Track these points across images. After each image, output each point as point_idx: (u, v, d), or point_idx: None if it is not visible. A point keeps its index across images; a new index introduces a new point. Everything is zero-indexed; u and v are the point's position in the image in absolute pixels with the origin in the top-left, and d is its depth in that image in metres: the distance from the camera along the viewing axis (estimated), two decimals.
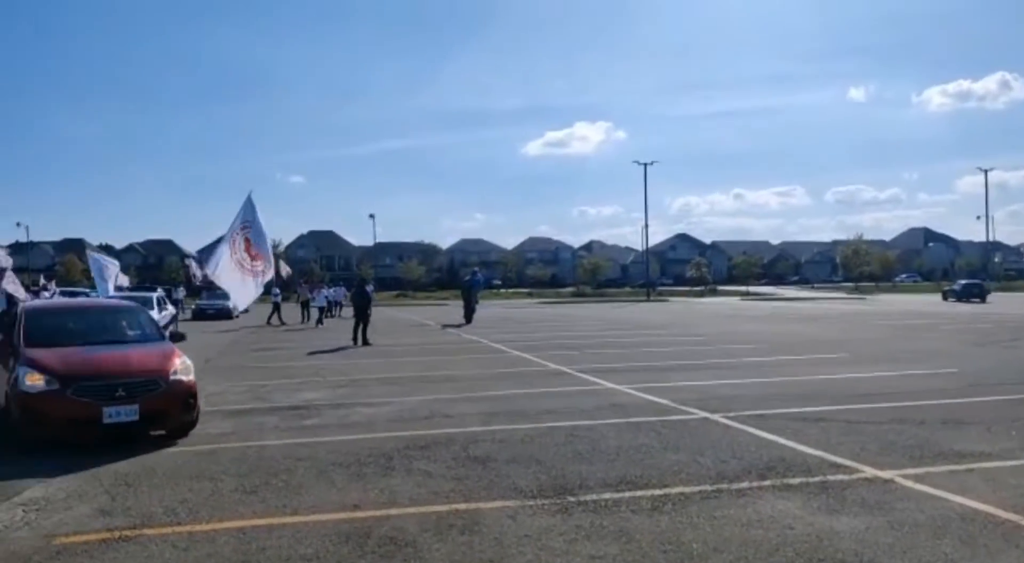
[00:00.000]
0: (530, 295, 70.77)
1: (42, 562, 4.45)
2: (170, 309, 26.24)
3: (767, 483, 5.85)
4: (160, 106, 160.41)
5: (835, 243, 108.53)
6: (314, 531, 4.91)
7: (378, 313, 21.49)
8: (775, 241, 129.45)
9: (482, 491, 5.81)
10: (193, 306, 39.51)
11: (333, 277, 64.81)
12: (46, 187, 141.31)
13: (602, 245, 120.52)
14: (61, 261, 78.72)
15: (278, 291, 32.40)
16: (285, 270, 38.70)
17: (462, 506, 5.41)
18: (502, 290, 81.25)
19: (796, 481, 5.89)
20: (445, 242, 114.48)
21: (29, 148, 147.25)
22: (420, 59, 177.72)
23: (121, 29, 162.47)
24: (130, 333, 9.14)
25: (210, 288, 33.91)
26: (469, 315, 29.22)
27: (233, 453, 7.26)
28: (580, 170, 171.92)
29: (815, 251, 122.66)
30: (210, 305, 36.82)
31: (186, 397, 7.82)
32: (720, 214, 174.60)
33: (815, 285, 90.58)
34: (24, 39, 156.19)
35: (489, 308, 42.31)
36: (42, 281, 32.80)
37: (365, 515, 5.25)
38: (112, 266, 27.76)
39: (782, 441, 7.33)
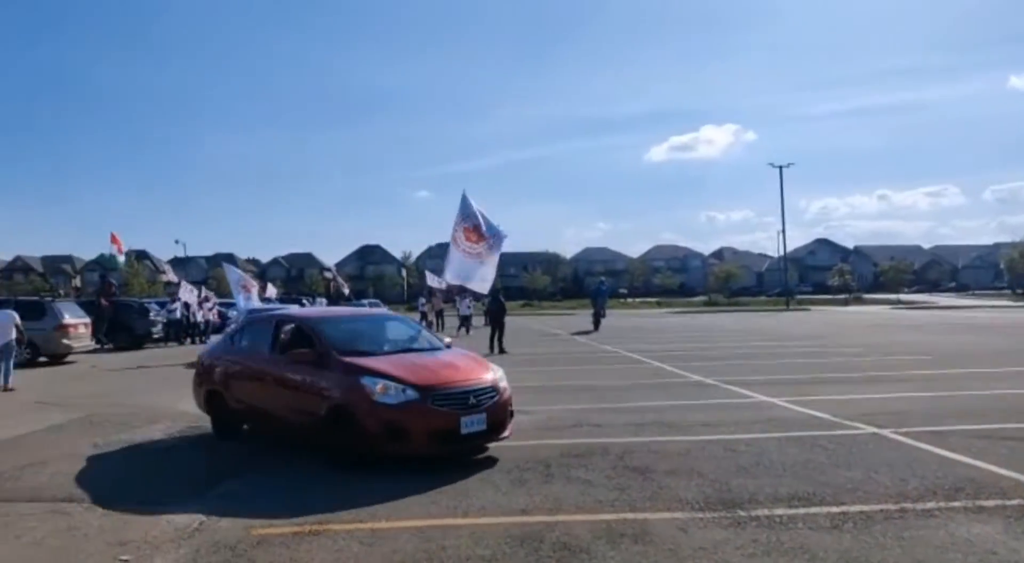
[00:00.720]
0: (658, 304, 69.38)
1: (246, 551, 4.83)
2: None
3: (957, 504, 5.46)
4: (298, 128, 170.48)
5: (997, 246, 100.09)
6: (488, 533, 5.05)
7: (508, 322, 21.72)
8: (926, 245, 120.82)
9: (646, 501, 5.77)
10: None
11: (460, 289, 66.61)
12: (201, 206, 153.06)
13: (734, 251, 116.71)
14: (212, 275, 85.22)
15: (423, 301, 33.75)
16: (436, 281, 39.90)
17: (629, 515, 5.39)
18: (628, 299, 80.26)
19: (991, 504, 5.46)
20: (569, 251, 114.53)
21: (186, 170, 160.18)
22: (540, 70, 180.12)
23: (266, 57, 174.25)
24: (418, 341, 8.54)
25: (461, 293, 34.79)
26: (597, 323, 29.84)
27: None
28: (707, 175, 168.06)
29: (973, 255, 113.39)
30: None
31: (509, 405, 7.65)
32: (862, 217, 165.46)
33: (975, 292, 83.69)
34: (184, 71, 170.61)
35: (618, 317, 41.99)
36: (204, 292, 35.51)
37: (534, 520, 5.35)
38: (247, 278, 29.47)
39: (967, 460, 6.81)
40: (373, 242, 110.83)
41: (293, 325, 8.43)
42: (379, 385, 6.85)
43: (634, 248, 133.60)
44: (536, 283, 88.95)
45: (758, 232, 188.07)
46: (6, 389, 13.98)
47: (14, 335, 14.42)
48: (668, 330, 31.39)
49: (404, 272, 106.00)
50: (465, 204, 12.93)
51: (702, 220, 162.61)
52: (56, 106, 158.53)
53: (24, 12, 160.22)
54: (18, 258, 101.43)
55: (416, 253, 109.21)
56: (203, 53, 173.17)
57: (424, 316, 33.08)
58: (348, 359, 7.31)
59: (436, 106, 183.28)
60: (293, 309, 11.62)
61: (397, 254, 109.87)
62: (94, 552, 4.88)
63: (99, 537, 5.19)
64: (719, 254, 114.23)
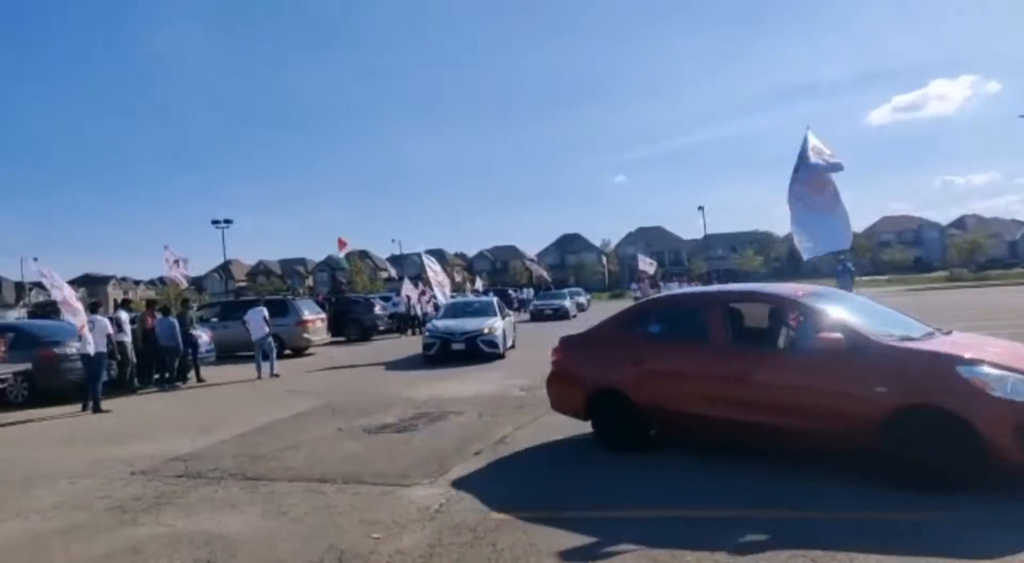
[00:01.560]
0: (889, 282, 62.88)
1: (486, 534, 4.99)
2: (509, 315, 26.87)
3: None
4: (494, 125, 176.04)
5: None
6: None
7: None
8: None
9: None
10: (531, 308, 38.29)
11: (665, 273, 65.26)
12: (413, 206, 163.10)
13: (979, 219, 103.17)
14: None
15: (637, 286, 33.57)
16: (646, 265, 39.68)
17: None
18: (856, 278, 73.67)
19: None
20: (780, 229, 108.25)
21: (397, 172, 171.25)
22: (734, 42, 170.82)
23: (465, 56, 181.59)
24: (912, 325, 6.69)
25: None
26: None
27: None
28: (940, 135, 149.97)
29: None
30: (547, 305, 36.59)
31: None
32: None
33: None
34: (383, 76, 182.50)
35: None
36: (421, 286, 37.88)
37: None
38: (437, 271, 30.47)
39: None
40: (572, 231, 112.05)
41: (770, 306, 6.86)
42: (994, 377, 5.20)
43: (857, 221, 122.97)
44: (748, 264, 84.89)
45: (1008, 195, 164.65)
46: (272, 375, 15.95)
47: (267, 329, 16.37)
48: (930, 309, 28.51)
49: (604, 259, 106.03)
50: (804, 149, 8.85)
51: (936, 186, 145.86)
52: (278, 123, 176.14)
53: (245, 32, 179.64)
54: (260, 262, 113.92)
55: (615, 240, 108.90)
56: (400, 60, 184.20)
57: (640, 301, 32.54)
58: (902, 345, 5.83)
59: (627, 90, 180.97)
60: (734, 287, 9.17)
61: (596, 242, 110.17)
62: (349, 529, 5.27)
63: (352, 515, 5.61)
64: (960, 223, 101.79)
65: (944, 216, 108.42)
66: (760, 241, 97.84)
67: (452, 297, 26.56)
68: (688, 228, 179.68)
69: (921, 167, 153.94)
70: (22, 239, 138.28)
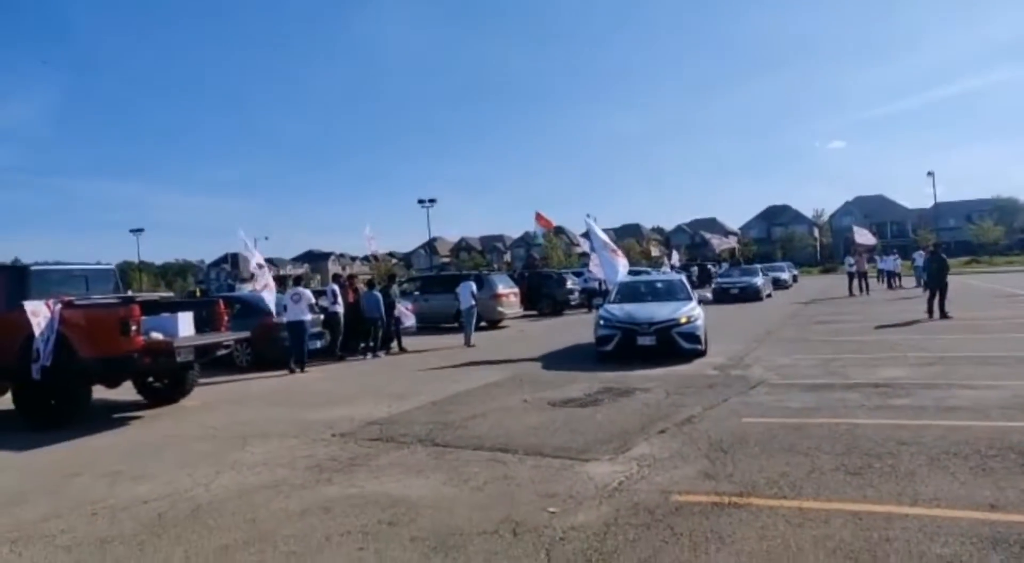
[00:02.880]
0: None
1: (665, 517, 4.70)
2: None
3: None
4: (693, 91, 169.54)
5: None
6: (945, 529, 4.17)
7: (950, 282, 18.52)
8: None
9: None
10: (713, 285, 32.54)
11: (885, 245, 59.61)
12: (608, 180, 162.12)
13: None
14: (621, 243, 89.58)
15: (852, 261, 30.66)
16: (863, 236, 36.26)
17: None
18: None
19: None
20: None
21: (591, 148, 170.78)
22: None
23: (666, 21, 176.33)
24: None
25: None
26: None
27: (822, 429, 6.83)
28: None
29: None
30: (732, 283, 30.40)
31: None
32: None
33: None
34: (580, 48, 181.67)
35: None
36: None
37: (1009, 519, 4.28)
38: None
39: None
40: (780, 202, 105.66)
41: None
42: None
43: None
44: (985, 235, 75.31)
45: None
46: (469, 345, 16.86)
47: (474, 301, 17.56)
48: None
49: (816, 231, 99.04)
50: None
51: None
52: (477, 105, 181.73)
53: (445, 17, 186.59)
54: (462, 239, 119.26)
55: (829, 210, 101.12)
56: (599, 32, 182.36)
57: (854, 277, 29.66)
58: None
59: (842, 50, 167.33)
60: None
61: (807, 213, 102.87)
62: (527, 502, 5.20)
63: (530, 487, 5.54)
64: None
65: None
66: (1002, 209, 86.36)
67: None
68: (914, 196, 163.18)
69: None
70: (258, 220, 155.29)
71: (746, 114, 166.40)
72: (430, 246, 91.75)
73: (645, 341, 12.47)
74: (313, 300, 14.42)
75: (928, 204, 78.59)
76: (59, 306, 9.02)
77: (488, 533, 4.63)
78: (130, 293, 12.49)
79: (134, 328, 8.85)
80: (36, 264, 10.32)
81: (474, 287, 17.92)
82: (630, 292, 14.97)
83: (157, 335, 9.39)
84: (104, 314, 9.12)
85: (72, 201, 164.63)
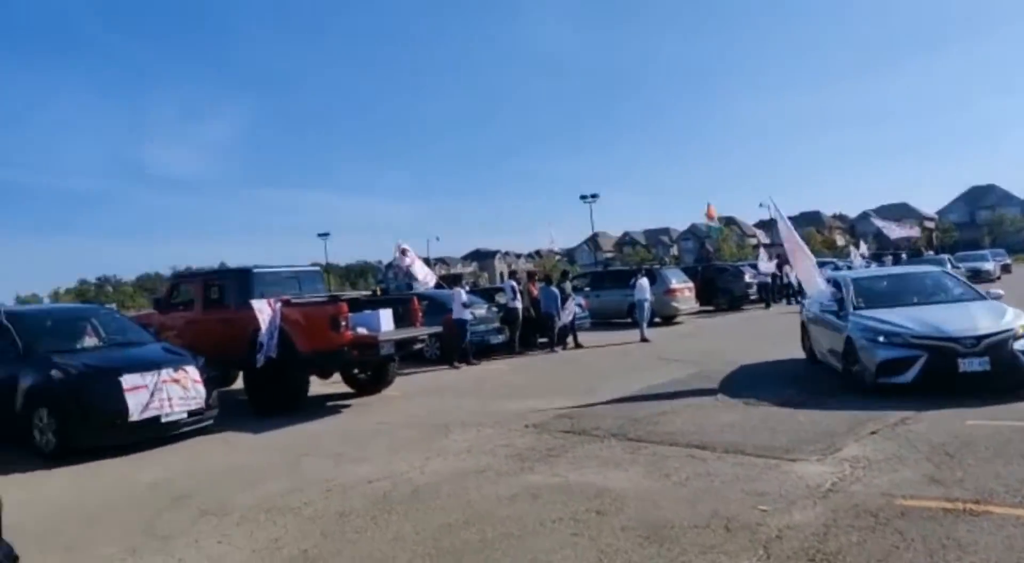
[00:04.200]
0: None
1: (889, 520, 4.49)
2: None
3: None
4: (880, 64, 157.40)
5: None
6: None
7: None
8: None
9: None
10: None
11: None
12: (785, 165, 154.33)
13: None
14: (803, 233, 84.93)
15: None
16: None
17: None
18: None
19: None
20: None
21: (760, 133, 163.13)
22: None
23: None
24: None
25: None
26: None
27: None
28: None
29: None
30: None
31: None
32: None
33: None
34: (712, 41, 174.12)
35: None
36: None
37: None
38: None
39: None
40: (984, 182, 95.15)
41: None
42: None
43: None
44: None
45: None
46: (643, 340, 16.82)
47: (648, 296, 17.57)
48: None
49: None
50: None
51: None
52: (638, 99, 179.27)
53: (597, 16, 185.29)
54: (626, 233, 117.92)
55: None
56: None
57: None
58: None
59: None
60: None
61: (1019, 193, 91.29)
62: (734, 499, 5.14)
63: (735, 484, 5.47)
64: None
65: None
66: None
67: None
68: None
69: None
70: (428, 221, 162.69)
71: (936, 86, 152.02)
72: (593, 241, 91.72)
73: (972, 366, 8.10)
74: (464, 299, 14.85)
75: None
76: (279, 304, 9.98)
77: (700, 527, 4.63)
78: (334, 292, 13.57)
79: (343, 324, 9.63)
80: (257, 267, 11.45)
81: (646, 282, 17.78)
82: (877, 292, 10.22)
83: (362, 330, 10.14)
84: (318, 311, 9.99)
85: (263, 209, 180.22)
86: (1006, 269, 39.08)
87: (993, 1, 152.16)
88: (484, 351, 15.57)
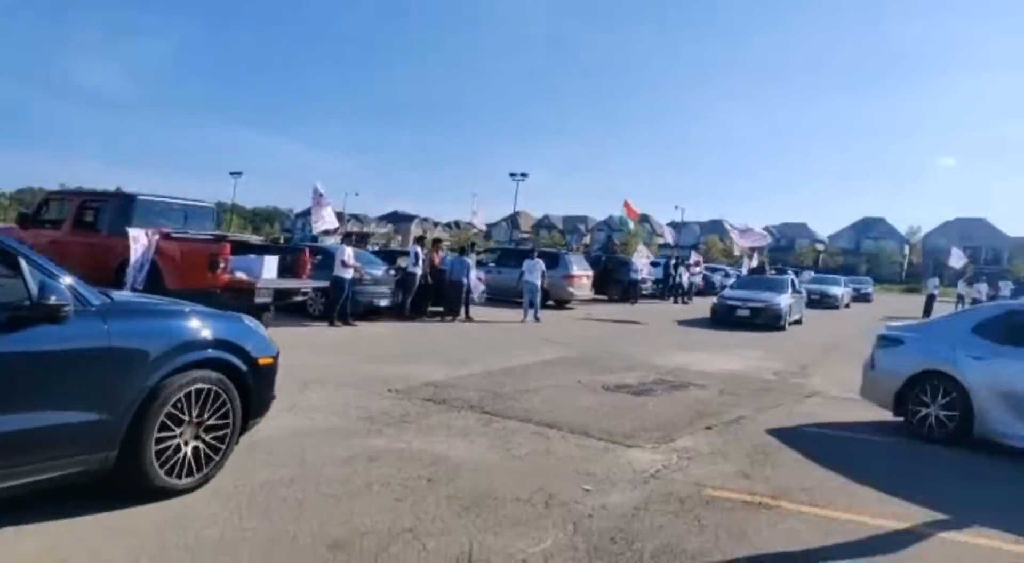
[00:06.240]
0: None
1: (693, 508, 4.80)
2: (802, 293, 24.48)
3: None
4: (803, 92, 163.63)
5: None
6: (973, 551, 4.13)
7: None
8: None
9: None
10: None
11: (977, 271, 56.47)
12: (701, 173, 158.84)
13: None
14: (706, 240, 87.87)
15: (936, 282, 30.27)
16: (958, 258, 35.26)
17: None
18: None
19: None
20: None
21: (690, 138, 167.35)
22: None
23: (785, 22, 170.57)
24: None
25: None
26: None
27: (869, 445, 6.75)
28: None
29: None
30: (742, 301, 20.10)
31: None
32: None
33: None
34: (694, 41, 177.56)
35: None
36: (694, 256, 36.48)
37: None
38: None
39: None
40: (876, 214, 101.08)
41: None
42: None
43: None
44: None
45: None
46: (535, 319, 17.28)
47: (540, 279, 17.74)
48: None
49: (907, 249, 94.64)
50: None
51: None
52: (578, 85, 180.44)
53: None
54: (545, 216, 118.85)
55: (926, 228, 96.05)
56: (717, 25, 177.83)
57: (933, 299, 29.54)
58: None
59: (971, 60, 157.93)
60: None
61: (902, 229, 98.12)
62: (563, 476, 5.37)
63: (570, 464, 5.70)
64: None
65: None
66: None
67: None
68: (1019, 224, 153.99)
69: None
70: (351, 176, 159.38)
71: (856, 120, 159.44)
72: (513, 220, 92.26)
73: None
74: (347, 257, 13.93)
75: None
76: (156, 236, 9.63)
77: (521, 501, 4.81)
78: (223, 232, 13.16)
79: (222, 265, 9.40)
80: (142, 194, 10.98)
81: (543, 266, 18.03)
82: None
83: (242, 275, 9.92)
84: (197, 249, 9.71)
85: (182, 138, 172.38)
86: (864, 297, 40.03)
87: (925, 53, 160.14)
88: (371, 313, 15.46)
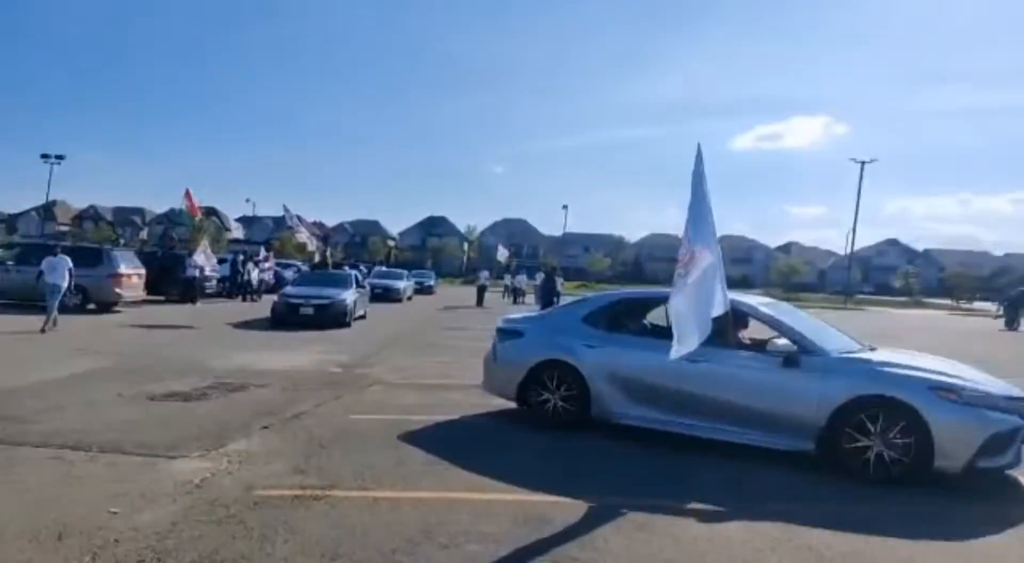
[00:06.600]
0: None
1: (240, 512, 4.54)
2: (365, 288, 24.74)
3: None
4: (378, 93, 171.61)
5: None
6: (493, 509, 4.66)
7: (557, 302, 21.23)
8: (999, 252, 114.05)
9: None
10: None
11: (519, 265, 66.14)
12: (272, 165, 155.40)
13: (801, 247, 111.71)
14: (278, 235, 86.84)
15: (486, 274, 34.29)
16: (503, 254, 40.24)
17: None
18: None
19: None
20: (635, 235, 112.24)
21: (259, 128, 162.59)
22: (637, 53, 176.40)
23: (371, 29, 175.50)
24: None
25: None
26: None
27: (422, 426, 7.24)
28: (789, 167, 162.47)
29: None
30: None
31: None
32: (940, 220, 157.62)
33: None
34: (261, 42, 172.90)
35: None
36: (263, 253, 35.39)
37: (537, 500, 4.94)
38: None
39: None
40: (440, 214, 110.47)
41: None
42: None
43: None
44: (595, 266, 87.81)
45: (829, 229, 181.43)
46: (52, 326, 14.38)
47: (66, 281, 14.98)
48: None
49: (466, 246, 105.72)
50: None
51: (775, 213, 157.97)
52: (131, 55, 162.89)
53: None
54: (91, 206, 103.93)
55: (481, 227, 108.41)
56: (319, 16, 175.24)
57: (484, 290, 33.87)
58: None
59: (527, 83, 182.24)
60: None
61: (462, 227, 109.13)
62: (85, 502, 4.63)
63: (96, 487, 4.96)
64: (787, 248, 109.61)
65: (775, 240, 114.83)
66: (612, 244, 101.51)
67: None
68: (551, 225, 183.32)
69: (767, 194, 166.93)
70: None
71: (423, 124, 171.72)
72: (47, 209, 79.16)
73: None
74: None
75: (559, 233, 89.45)
76: None
77: (27, 538, 4.01)
78: None
79: None
80: None
81: (70, 264, 15.26)
82: None
83: None
84: None
85: None
86: (427, 290, 42.47)
87: (484, 66, 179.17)
88: None
